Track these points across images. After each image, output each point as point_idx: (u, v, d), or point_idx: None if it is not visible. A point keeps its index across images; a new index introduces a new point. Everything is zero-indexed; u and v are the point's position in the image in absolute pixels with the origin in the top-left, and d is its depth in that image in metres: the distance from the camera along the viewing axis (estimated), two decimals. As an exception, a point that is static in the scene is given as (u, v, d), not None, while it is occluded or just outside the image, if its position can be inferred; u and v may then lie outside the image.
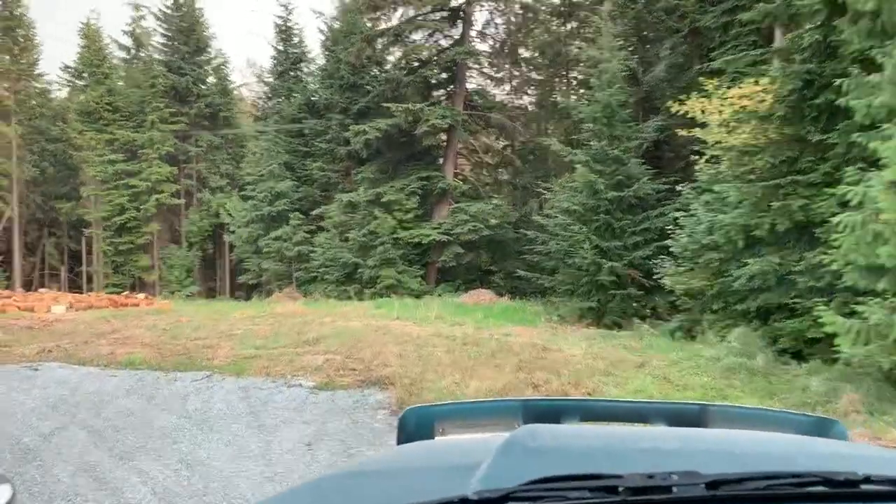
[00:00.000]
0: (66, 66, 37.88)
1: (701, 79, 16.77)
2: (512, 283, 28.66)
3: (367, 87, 32.44)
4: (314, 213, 31.58)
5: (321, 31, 35.19)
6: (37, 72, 39.68)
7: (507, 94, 36.73)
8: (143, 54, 37.92)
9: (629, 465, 1.14)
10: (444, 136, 31.31)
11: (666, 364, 12.47)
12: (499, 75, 35.93)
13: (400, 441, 1.89)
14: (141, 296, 26.46)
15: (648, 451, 1.29)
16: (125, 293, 27.21)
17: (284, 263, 31.28)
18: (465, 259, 29.12)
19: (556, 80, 36.37)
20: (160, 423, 8.75)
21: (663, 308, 19.16)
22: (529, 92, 37.39)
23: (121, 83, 37.88)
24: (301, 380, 11.29)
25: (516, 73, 36.44)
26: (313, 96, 34.52)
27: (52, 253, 40.87)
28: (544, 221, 22.97)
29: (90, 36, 36.78)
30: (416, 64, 30.86)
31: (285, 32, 36.37)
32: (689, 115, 16.83)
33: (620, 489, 1.03)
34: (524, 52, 35.79)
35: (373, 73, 33.52)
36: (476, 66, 32.67)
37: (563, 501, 1.02)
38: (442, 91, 33.01)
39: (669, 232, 17.30)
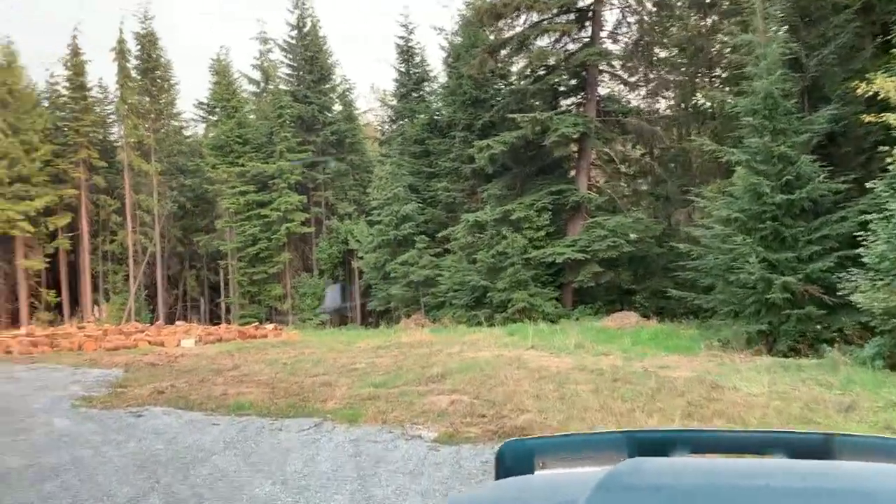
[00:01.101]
0: (200, 103, 39.20)
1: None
2: (658, 303, 25.95)
3: (491, 101, 30.97)
4: (440, 235, 30.29)
5: (442, 47, 34.24)
6: (174, 111, 41.37)
7: (643, 98, 34.00)
8: (270, 86, 38.50)
9: (739, 501, 1.09)
10: (575, 147, 29.09)
11: (881, 406, 9.71)
12: (632, 79, 33.28)
13: (498, 476, 1.77)
14: (270, 326, 26.04)
15: (764, 490, 1.19)
16: (255, 324, 26.94)
17: (412, 288, 30.10)
18: (605, 278, 26.60)
19: (697, 79, 33.22)
20: (251, 490, 7.24)
21: (852, 330, 15.98)
22: (667, 95, 34.43)
23: (251, 116, 38.65)
24: (421, 429, 9.54)
25: (652, 76, 33.63)
26: (436, 115, 33.47)
27: (193, 285, 42.18)
28: (697, 233, 20.20)
29: (220, 72, 37.81)
30: (542, 71, 28.94)
31: (407, 53, 35.67)
32: (879, 98, 13.96)
33: None
34: (660, 53, 33.00)
35: (496, 87, 32.00)
36: (608, 69, 30.31)
37: None
38: (571, 100, 30.90)
39: (860, 239, 14.27)
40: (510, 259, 26.22)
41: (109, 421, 10.67)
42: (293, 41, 37.24)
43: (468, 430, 9.40)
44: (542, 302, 26.12)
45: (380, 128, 40.71)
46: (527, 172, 28.72)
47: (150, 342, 21.78)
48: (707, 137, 27.37)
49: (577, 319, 25.55)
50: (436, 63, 35.84)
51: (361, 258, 33.10)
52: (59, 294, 39.20)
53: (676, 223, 30.51)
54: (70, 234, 39.05)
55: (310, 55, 36.91)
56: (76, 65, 38.64)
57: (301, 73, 37.30)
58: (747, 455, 1.81)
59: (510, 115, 26.54)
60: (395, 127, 37.16)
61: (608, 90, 31.37)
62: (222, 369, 15.94)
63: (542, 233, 26.85)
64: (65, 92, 39.35)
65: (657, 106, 34.18)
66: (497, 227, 27.19)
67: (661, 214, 30.79)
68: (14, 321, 37.51)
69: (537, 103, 29.08)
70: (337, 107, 39.32)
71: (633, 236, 26.31)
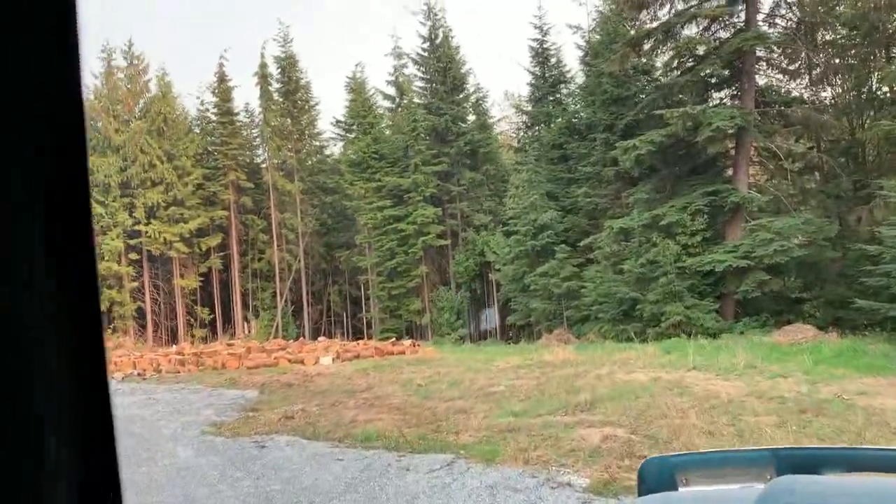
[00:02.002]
0: (338, 121, 39.72)
1: None
2: (834, 313, 22.86)
3: (634, 98, 28.83)
4: (582, 244, 28.44)
5: (579, 46, 32.47)
6: (315, 130, 42.31)
7: (805, 87, 30.49)
8: (405, 101, 38.35)
9: None
10: (731, 143, 26.34)
11: None
12: (792, 66, 29.89)
13: (640, 493, 1.79)
14: (407, 342, 25.36)
15: None
16: (392, 340, 26.38)
17: (553, 301, 28.43)
18: (771, 287, 23.67)
19: (872, 61, 29.29)
20: (368, 552, 6.08)
21: None
22: (834, 81, 30.64)
23: (387, 132, 38.69)
24: (570, 473, 8.03)
25: (816, 61, 30.02)
26: (575, 118, 31.75)
27: (336, 301, 42.76)
28: (891, 232, 17.24)
29: (356, 89, 38.12)
30: (690, 63, 26.46)
31: (541, 55, 34.24)
32: None
33: None
34: (825, 35, 29.41)
35: (639, 84, 29.81)
36: (765, 55, 27.29)
37: None
38: (724, 92, 28.12)
39: None
40: (662, 268, 23.97)
41: (232, 452, 9.98)
42: (426, 53, 36.90)
43: (628, 476, 7.77)
44: (700, 315, 23.62)
45: (515, 135, 39.45)
46: (677, 173, 26.32)
47: (289, 360, 21.64)
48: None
49: (742, 334, 22.85)
50: (572, 63, 34.07)
51: (499, 270, 31.88)
52: (212, 311, 41.00)
53: (855, 223, 26.93)
54: (221, 254, 40.78)
55: (442, 66, 36.37)
56: (223, 91, 40.47)
57: (434, 84, 36.85)
58: None
59: (657, 112, 24.37)
60: (530, 133, 35.76)
61: (766, 80, 28.31)
62: (355, 390, 15.17)
63: (698, 238, 24.36)
64: (213, 117, 41.30)
65: (823, 94, 30.58)
66: (646, 233, 25.03)
67: (833, 214, 27.28)
68: (172, 338, 39.60)
69: (686, 98, 26.66)
70: (471, 117, 38.50)
71: (800, 239, 23.32)
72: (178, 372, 20.95)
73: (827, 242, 24.85)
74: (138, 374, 20.08)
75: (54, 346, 0.69)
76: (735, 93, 27.06)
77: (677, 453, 2.02)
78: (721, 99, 27.66)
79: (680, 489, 1.70)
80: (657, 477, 1.75)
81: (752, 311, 24.95)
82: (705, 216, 24.55)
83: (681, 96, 27.15)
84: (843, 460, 1.73)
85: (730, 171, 27.11)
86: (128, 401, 15.39)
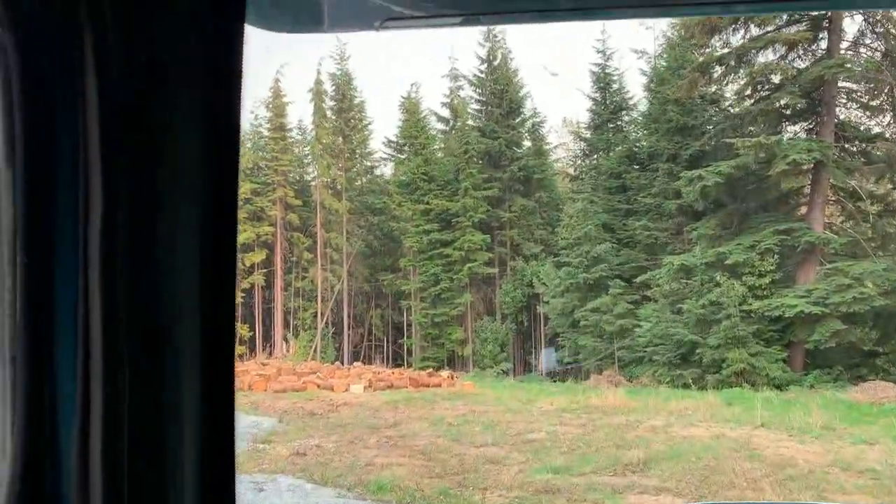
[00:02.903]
0: (390, 141, 38.87)
1: None
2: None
3: (701, 128, 27.12)
4: (638, 280, 26.68)
5: (643, 72, 30.91)
6: (366, 150, 41.58)
7: (889, 125, 28.25)
8: (458, 123, 37.27)
9: None
10: (806, 180, 24.39)
11: None
12: (875, 102, 27.75)
13: None
14: (445, 374, 23.90)
15: None
16: (429, 371, 24.95)
17: (604, 340, 26.63)
18: (848, 338, 21.51)
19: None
20: None
21: None
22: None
23: (439, 154, 37.66)
24: (620, 558, 6.48)
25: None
26: (636, 146, 30.15)
27: (378, 324, 41.56)
28: None
29: (410, 109, 37.24)
30: (765, 91, 24.66)
31: (603, 80, 32.79)
32: None
33: None
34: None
35: (707, 114, 28.09)
36: (847, 87, 25.28)
37: None
38: (799, 125, 26.20)
39: None
40: (725, 310, 22.06)
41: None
42: (482, 75, 35.82)
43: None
44: (766, 364, 21.60)
45: (571, 162, 37.92)
46: (746, 209, 24.45)
47: (318, 385, 20.44)
48: None
49: (812, 387, 20.75)
50: (635, 90, 32.43)
51: (547, 303, 30.23)
52: (251, 329, 40.26)
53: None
54: (265, 271, 40.13)
55: (499, 88, 35.17)
56: (277, 106, 40.08)
57: (489, 107, 35.67)
58: None
59: (726, 141, 22.66)
60: (588, 161, 34.23)
61: (845, 115, 26.23)
62: (380, 426, 13.79)
63: (766, 280, 22.41)
64: (266, 133, 40.96)
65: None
66: (709, 272, 23.19)
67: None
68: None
69: (757, 130, 24.84)
70: (526, 142, 37.15)
71: (877, 287, 21.12)
72: (203, 391, 19.94)
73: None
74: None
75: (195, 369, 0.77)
76: (811, 126, 25.14)
77: (730, 502, 1.40)
78: (796, 133, 25.75)
79: None
80: None
81: (822, 362, 22.79)
82: (775, 256, 22.60)
83: (752, 128, 25.36)
84: None
85: (803, 210, 25.12)
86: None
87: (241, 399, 18.22)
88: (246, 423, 14.09)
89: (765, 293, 22.43)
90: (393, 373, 24.00)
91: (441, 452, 11.02)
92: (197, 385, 0.78)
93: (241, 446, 11.67)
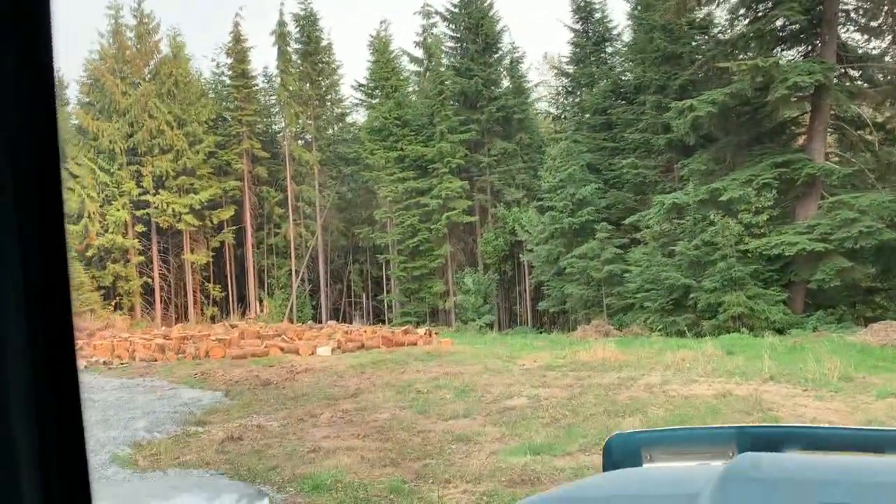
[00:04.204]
0: (360, 85, 36.51)
1: None
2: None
3: (690, 56, 25.10)
4: (627, 222, 24.99)
5: (627, -1, 28.60)
6: (336, 96, 39.21)
7: (886, 48, 26.29)
8: (433, 63, 34.90)
9: (865, 499, 1.07)
10: (806, 107, 22.55)
11: None
12: (874, 23, 25.73)
13: (605, 469, 1.79)
14: (421, 331, 22.26)
15: (888, 486, 1.18)
16: (405, 328, 23.32)
17: (592, 287, 25.02)
18: (853, 276, 20.02)
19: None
20: None
21: None
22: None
23: (413, 97, 35.40)
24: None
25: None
26: (621, 79, 28.12)
27: (356, 280, 39.80)
28: None
29: (380, 49, 34.83)
30: (759, 10, 22.57)
31: (584, 9, 30.49)
32: None
33: None
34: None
35: (696, 42, 26.04)
36: (847, 5, 23.23)
37: None
38: (796, 50, 24.15)
39: None
40: (721, 251, 20.46)
41: (121, 500, 6.99)
42: (456, 9, 33.29)
43: None
44: (766, 307, 20.08)
45: (553, 101, 35.71)
46: (740, 141, 22.63)
47: (282, 349, 18.75)
48: None
49: (815, 330, 19.30)
50: (619, 18, 30.23)
51: (531, 251, 28.53)
52: (224, 289, 38.43)
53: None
54: (235, 228, 38.10)
55: (473, 23, 32.71)
56: (238, 52, 37.46)
57: (465, 43, 33.23)
58: (866, 453, 1.69)
59: (721, 65, 20.68)
60: (570, 99, 32.17)
61: (844, 37, 24.22)
62: (339, 397, 12.13)
63: (764, 217, 20.75)
64: (228, 81, 38.44)
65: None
66: (702, 210, 21.50)
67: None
68: (183, 316, 37.22)
69: (751, 56, 22.81)
70: (505, 82, 34.86)
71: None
72: (155, 360, 18.21)
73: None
74: (104, 363, 17.39)
75: (22, 334, 0.67)
76: (809, 50, 23.13)
77: (643, 430, 1.89)
78: (793, 58, 23.74)
79: (644, 465, 1.68)
80: (622, 453, 1.74)
81: (823, 302, 21.35)
82: (773, 191, 20.89)
83: (745, 54, 23.31)
84: (803, 438, 1.73)
85: (801, 140, 23.35)
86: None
87: (191, 368, 16.54)
88: (185, 399, 12.39)
89: (763, 231, 20.82)
90: (365, 332, 22.35)
91: (403, 430, 9.36)
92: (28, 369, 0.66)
93: (169, 431, 9.96)
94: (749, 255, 20.75)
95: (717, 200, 21.17)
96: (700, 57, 25.06)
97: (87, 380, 15.05)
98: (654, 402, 10.35)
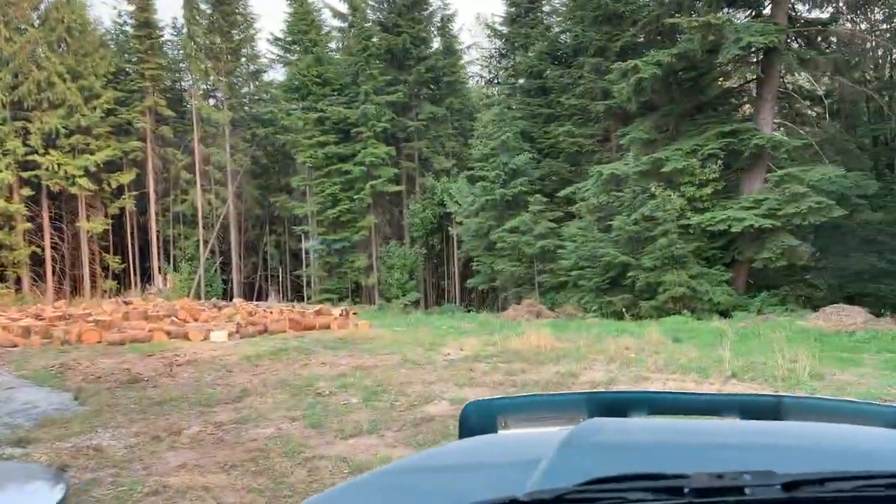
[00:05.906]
0: (276, 39, 33.42)
1: None
2: (861, 288, 18.68)
3: (634, 16, 23.35)
4: (562, 194, 23.26)
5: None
6: (251, 52, 35.99)
7: (834, 13, 25.26)
8: (358, 18, 32.16)
9: (698, 462, 1.08)
10: (755, 71, 21.13)
11: None
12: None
13: (461, 437, 1.71)
14: (337, 311, 20.02)
15: (718, 447, 1.22)
16: (319, 308, 21.01)
17: (524, 264, 23.28)
18: (799, 254, 18.84)
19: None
20: None
21: None
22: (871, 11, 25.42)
23: (336, 55, 32.63)
24: None
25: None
26: (558, 40, 26.22)
27: (273, 253, 37.07)
28: None
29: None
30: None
31: (520, -36, 28.39)
32: None
33: (686, 490, 0.92)
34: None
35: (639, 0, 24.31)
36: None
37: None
38: (742, 13, 22.70)
39: None
40: (661, 226, 18.93)
41: None
42: (383, -42, 30.69)
43: None
44: (709, 287, 18.72)
45: (486, 64, 33.56)
46: (684, 109, 21.08)
47: (170, 334, 16.21)
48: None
49: (760, 313, 18.02)
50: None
51: (460, 223, 26.56)
52: (125, 260, 35.03)
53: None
54: (137, 193, 34.66)
55: (402, -27, 30.21)
56: (142, -1, 33.79)
57: (391, -3, 30.72)
58: (703, 417, 1.79)
59: (671, 21, 18.96)
60: (504, 62, 30.09)
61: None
62: (218, 401, 9.82)
63: (708, 190, 19.35)
64: (131, 31, 34.70)
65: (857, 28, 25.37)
66: (642, 182, 19.94)
67: (865, 167, 22.52)
68: (79, 290, 33.72)
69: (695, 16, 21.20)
70: (435, 42, 32.52)
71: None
72: (15, 346, 15.42)
73: (864, 201, 20.16)
74: (-55, 350, 14.52)
75: None
76: (757, 13, 21.67)
77: (498, 397, 1.77)
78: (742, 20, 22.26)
79: (499, 431, 1.70)
80: (478, 420, 1.72)
81: (765, 283, 20.21)
82: (719, 163, 19.46)
83: (691, 15, 21.67)
84: (647, 403, 1.75)
85: (747, 110, 22.02)
86: None
87: (52, 358, 13.85)
88: (16, 406, 9.84)
89: (706, 205, 19.40)
90: (272, 312, 19.91)
91: (284, 455, 7.17)
92: None
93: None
94: (691, 231, 19.35)
95: (658, 172, 19.63)
96: (645, 16, 23.35)
97: None
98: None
